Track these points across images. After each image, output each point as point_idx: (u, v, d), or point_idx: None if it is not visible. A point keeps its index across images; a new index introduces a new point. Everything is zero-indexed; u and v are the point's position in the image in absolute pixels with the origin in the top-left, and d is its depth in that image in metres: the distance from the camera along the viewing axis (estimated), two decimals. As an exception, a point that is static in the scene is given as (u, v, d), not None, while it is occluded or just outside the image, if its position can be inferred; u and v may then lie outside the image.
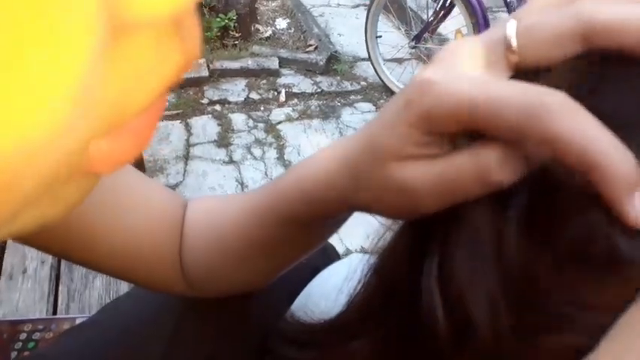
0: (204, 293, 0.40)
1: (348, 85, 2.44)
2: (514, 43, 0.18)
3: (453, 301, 0.18)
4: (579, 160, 0.16)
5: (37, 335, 0.62)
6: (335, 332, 0.28)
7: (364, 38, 2.36)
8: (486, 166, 0.18)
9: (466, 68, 0.19)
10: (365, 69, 2.51)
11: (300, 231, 0.31)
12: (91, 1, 0.08)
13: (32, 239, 0.34)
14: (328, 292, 0.36)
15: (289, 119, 2.19)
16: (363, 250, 0.30)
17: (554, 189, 0.17)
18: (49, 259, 0.74)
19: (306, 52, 2.60)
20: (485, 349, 0.17)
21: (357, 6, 3.13)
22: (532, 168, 0.18)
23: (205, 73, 2.30)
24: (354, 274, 0.28)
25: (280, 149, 2.01)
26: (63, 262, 0.74)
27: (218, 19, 2.48)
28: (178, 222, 0.38)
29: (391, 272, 0.24)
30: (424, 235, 0.21)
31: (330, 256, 0.45)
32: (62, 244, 0.35)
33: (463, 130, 0.19)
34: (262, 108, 2.24)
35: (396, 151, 0.21)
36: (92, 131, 0.10)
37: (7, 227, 0.11)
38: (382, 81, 2.37)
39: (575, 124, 0.16)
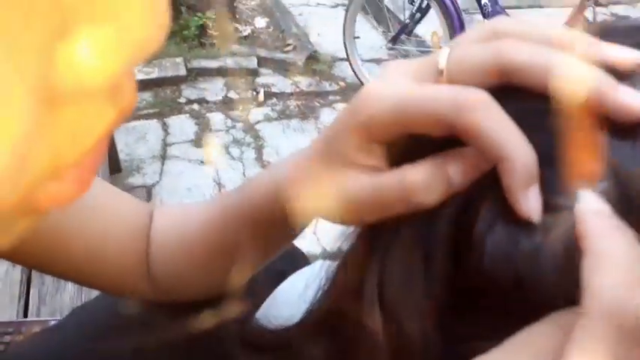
0: (171, 298, 0.41)
1: (326, 86, 2.46)
2: (444, 68, 0.20)
3: (388, 312, 0.19)
4: (494, 151, 0.18)
5: (6, 338, 0.62)
6: (293, 338, 0.29)
7: (342, 39, 2.37)
8: (410, 187, 0.20)
9: (401, 81, 0.21)
10: (344, 69, 2.52)
11: (261, 235, 0.32)
12: (27, 77, 0.10)
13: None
14: (292, 299, 0.38)
15: (268, 119, 2.19)
16: (331, 255, 0.32)
17: (474, 210, 0.19)
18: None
19: (285, 51, 2.61)
20: (418, 356, 0.18)
21: (337, 6, 3.14)
22: (455, 190, 0.19)
23: (183, 72, 2.29)
24: (314, 281, 0.29)
25: (259, 149, 2.02)
26: (34, 266, 0.74)
27: (196, 18, 2.47)
28: (144, 230, 0.39)
29: (343, 280, 0.25)
30: (370, 245, 0.22)
31: (298, 262, 0.46)
32: (25, 255, 0.35)
33: (401, 136, 0.21)
34: (241, 108, 2.24)
35: (343, 157, 0.23)
36: (34, 179, 0.11)
37: None
38: (361, 82, 2.38)
39: (494, 118, 0.18)
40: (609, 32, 0.21)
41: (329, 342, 0.25)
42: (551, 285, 0.17)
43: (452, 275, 0.19)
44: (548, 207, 0.18)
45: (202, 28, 2.50)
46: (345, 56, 2.43)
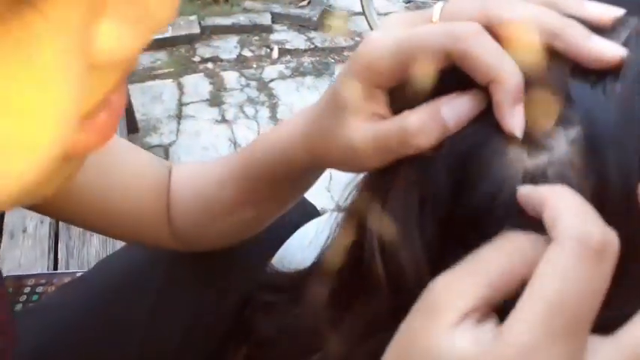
0: (192, 247, 0.43)
1: (342, 41, 2.42)
2: (436, 17, 0.23)
3: (387, 247, 0.21)
4: (486, 72, 0.20)
5: (39, 289, 0.66)
6: (305, 278, 0.31)
7: (357, -8, 2.32)
8: (409, 131, 0.21)
9: (399, 27, 0.23)
10: (359, 24, 2.48)
11: (275, 188, 0.34)
12: (77, 49, 0.12)
13: (33, 206, 0.37)
14: (304, 246, 0.40)
15: (282, 77, 2.18)
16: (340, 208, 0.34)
17: (468, 156, 0.20)
18: (48, 218, 0.77)
19: (299, 7, 2.56)
20: (411, 289, 0.20)
21: (351, -42, 3.05)
22: (449, 134, 0.21)
23: (197, 30, 2.28)
24: (324, 229, 0.31)
25: (273, 108, 2.02)
26: (61, 222, 0.77)
27: (208, -26, 2.43)
28: (164, 185, 0.42)
29: (350, 226, 0.27)
30: (373, 189, 0.24)
31: (310, 213, 0.48)
32: (55, 208, 0.38)
33: (401, 81, 0.23)
34: (255, 65, 2.23)
35: (348, 104, 0.24)
36: (72, 132, 0.13)
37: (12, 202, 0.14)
38: (376, 37, 2.35)
39: (485, 45, 0.20)
40: None
41: (337, 281, 0.27)
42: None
43: (447, 212, 0.20)
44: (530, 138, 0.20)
45: (215, -15, 2.46)
46: (361, 10, 2.38)
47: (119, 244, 0.76)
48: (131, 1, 0.13)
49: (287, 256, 0.41)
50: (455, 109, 0.20)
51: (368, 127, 0.23)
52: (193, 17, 2.32)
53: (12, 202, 0.13)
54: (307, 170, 0.31)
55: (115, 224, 0.40)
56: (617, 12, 0.20)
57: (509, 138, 0.19)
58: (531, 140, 0.19)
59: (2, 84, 0.11)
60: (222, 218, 0.39)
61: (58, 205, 0.37)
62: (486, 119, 0.20)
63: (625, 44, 0.20)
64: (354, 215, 0.27)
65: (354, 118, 0.24)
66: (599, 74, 0.19)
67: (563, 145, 0.19)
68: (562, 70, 0.20)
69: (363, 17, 2.39)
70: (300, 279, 0.33)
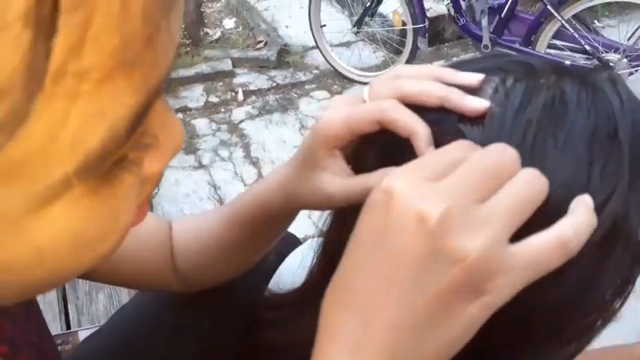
0: (196, 287, 0.51)
1: (301, 76, 2.54)
2: (366, 97, 0.33)
3: None
4: (406, 130, 0.30)
5: (59, 348, 0.71)
6: (299, 295, 0.40)
7: (309, 28, 2.45)
8: (369, 188, 0.30)
9: (342, 106, 0.34)
10: (315, 57, 2.60)
11: (261, 229, 0.43)
12: None
13: None
14: (294, 270, 0.48)
15: (250, 117, 2.28)
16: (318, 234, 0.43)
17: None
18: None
19: (257, 49, 2.68)
20: None
21: (300, -4, 3.20)
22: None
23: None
24: (309, 253, 0.40)
25: (246, 147, 2.11)
26: (67, 285, 0.83)
27: (166, 29, 2.53)
28: (167, 238, 0.50)
29: (329, 248, 0.36)
30: (341, 220, 0.33)
31: (293, 243, 0.56)
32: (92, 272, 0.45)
33: (349, 142, 0.33)
34: (223, 110, 2.32)
35: (316, 164, 0.34)
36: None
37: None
38: (333, 67, 2.47)
39: (402, 112, 0.30)
40: (463, 65, 0.33)
41: (320, 287, 0.36)
42: None
43: None
44: None
45: (173, 39, 2.56)
46: (315, 45, 2.51)
47: (124, 298, 0.82)
48: (161, 141, 0.22)
49: (280, 282, 0.49)
50: None
51: (338, 182, 0.33)
52: (157, 72, 2.40)
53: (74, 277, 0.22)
54: (284, 215, 0.41)
55: (130, 275, 0.48)
56: (480, 76, 0.31)
57: None
58: None
59: (93, 221, 0.19)
60: (219, 260, 0.47)
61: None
62: None
63: (490, 97, 0.30)
64: (330, 237, 0.36)
65: (326, 174, 0.34)
66: (476, 118, 0.29)
67: None
68: (453, 119, 0.30)
69: (317, 50, 2.53)
70: (295, 296, 0.41)
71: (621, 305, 0.32)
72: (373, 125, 0.31)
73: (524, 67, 0.31)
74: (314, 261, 0.40)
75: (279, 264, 0.54)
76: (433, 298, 0.23)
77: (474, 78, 0.31)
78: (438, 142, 0.29)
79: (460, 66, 0.32)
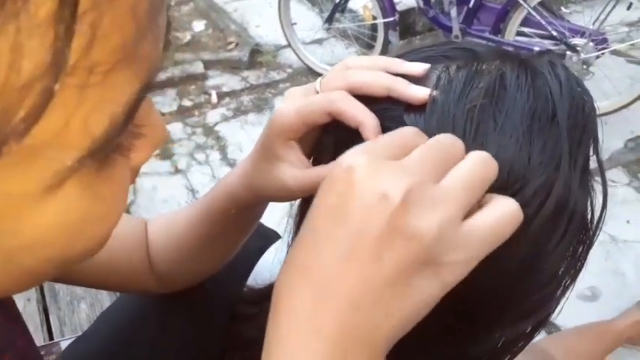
0: (175, 287, 0.51)
1: (275, 75, 2.54)
2: (318, 88, 0.34)
3: None
4: (354, 121, 0.31)
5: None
6: (270, 294, 0.40)
7: (280, 27, 2.45)
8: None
9: (297, 98, 0.35)
10: (288, 56, 2.60)
11: (231, 220, 0.44)
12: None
13: None
14: (268, 267, 0.48)
15: (225, 119, 2.27)
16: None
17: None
18: (34, 296, 0.82)
19: (228, 50, 2.67)
20: None
21: (269, -5, 3.20)
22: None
23: (134, 90, 2.34)
24: (284, 248, 0.40)
25: (222, 150, 2.10)
26: (47, 295, 0.82)
27: (135, 35, 2.50)
28: (143, 239, 0.50)
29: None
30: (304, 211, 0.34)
31: (272, 238, 0.57)
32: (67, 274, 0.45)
33: (305, 132, 0.34)
34: (197, 113, 2.30)
35: (274, 155, 0.35)
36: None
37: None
38: (306, 65, 2.47)
39: (350, 103, 0.32)
40: (410, 54, 0.34)
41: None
42: None
43: None
44: None
45: (143, 44, 2.53)
46: (287, 43, 2.51)
47: (105, 305, 0.82)
48: (147, 132, 0.23)
49: (258, 278, 0.49)
50: None
51: (296, 172, 0.34)
52: (128, 78, 2.38)
53: (77, 263, 0.23)
54: (249, 205, 0.41)
55: (106, 277, 0.48)
56: (425, 66, 0.32)
57: None
58: None
59: (97, 201, 0.21)
60: (195, 256, 0.47)
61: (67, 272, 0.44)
62: None
63: (433, 85, 0.31)
64: (300, 219, 0.37)
65: (283, 164, 0.34)
66: (419, 107, 0.31)
67: None
68: (399, 108, 0.31)
69: (289, 49, 2.53)
70: (269, 291, 0.42)
71: (574, 278, 0.33)
72: (324, 116, 0.32)
73: (467, 54, 0.32)
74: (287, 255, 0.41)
75: (259, 259, 0.54)
76: (392, 274, 0.24)
77: (418, 67, 0.32)
78: (386, 131, 0.30)
79: (408, 55, 0.34)
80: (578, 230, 0.32)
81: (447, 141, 0.27)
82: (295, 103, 0.34)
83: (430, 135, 0.29)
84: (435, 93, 0.30)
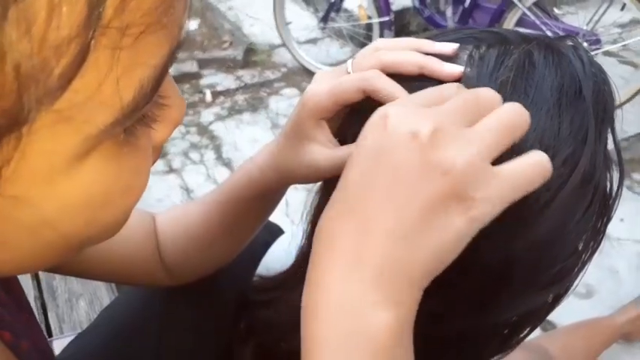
0: (184, 279, 0.51)
1: (269, 74, 2.53)
2: (350, 69, 0.35)
3: None
4: (389, 98, 0.31)
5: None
6: (286, 279, 0.40)
7: (275, 26, 2.44)
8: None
9: (327, 79, 0.35)
10: (283, 55, 2.60)
11: (251, 207, 0.43)
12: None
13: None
14: (280, 257, 0.48)
15: (220, 118, 2.26)
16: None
17: None
18: (31, 293, 0.81)
19: (223, 49, 2.66)
20: None
21: (263, -5, 3.19)
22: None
23: (128, 88, 2.33)
24: (293, 241, 0.41)
25: (217, 149, 2.09)
26: (45, 292, 0.81)
27: (129, 33, 2.48)
28: (152, 231, 0.49)
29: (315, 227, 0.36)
30: (326, 195, 0.34)
31: (276, 233, 0.57)
32: (66, 266, 0.44)
33: (337, 113, 0.34)
34: (191, 112, 2.29)
35: (305, 135, 0.35)
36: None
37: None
38: (301, 64, 2.47)
39: (384, 81, 0.32)
40: (438, 36, 0.35)
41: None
42: None
43: None
44: None
45: (137, 42, 2.52)
46: (281, 42, 2.51)
47: (105, 303, 0.81)
48: (168, 107, 0.22)
49: (268, 268, 0.49)
50: None
51: (327, 152, 0.35)
52: (122, 77, 2.36)
53: (102, 238, 0.23)
54: (273, 189, 0.42)
55: (118, 269, 0.48)
56: (455, 45, 0.33)
57: None
58: None
59: (122, 174, 0.20)
60: (208, 246, 0.47)
61: (72, 265, 0.44)
62: None
63: (465, 63, 0.32)
64: (315, 214, 0.37)
65: (314, 144, 0.35)
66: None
67: None
68: (430, 86, 0.31)
69: (285, 48, 2.52)
70: (286, 276, 0.42)
71: (593, 252, 0.34)
72: (358, 94, 0.33)
73: (495, 36, 0.34)
74: (303, 241, 0.41)
75: (265, 253, 0.54)
76: (424, 206, 0.25)
77: (449, 47, 0.33)
78: None
79: (436, 37, 0.35)
80: (601, 203, 0.33)
81: (485, 93, 0.28)
82: (327, 83, 0.34)
83: None
84: (468, 70, 0.31)
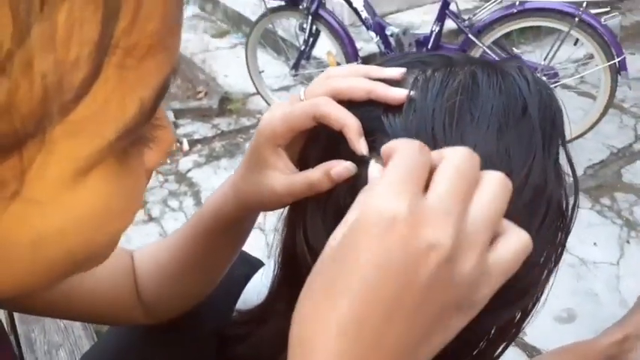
0: (161, 316, 0.51)
1: (245, 121, 2.58)
2: (302, 97, 0.36)
3: (312, 250, 0.33)
4: (337, 123, 0.33)
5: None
6: (259, 312, 0.41)
7: (248, 76, 2.51)
8: (312, 182, 0.33)
9: (282, 107, 0.37)
10: (257, 102, 2.65)
11: (218, 240, 0.44)
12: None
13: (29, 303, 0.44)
14: (257, 290, 0.49)
15: (197, 165, 2.28)
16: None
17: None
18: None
19: (198, 99, 2.71)
20: None
21: (235, 46, 3.28)
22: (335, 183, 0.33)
23: (104, 141, 2.33)
24: (269, 271, 0.42)
25: (196, 195, 2.10)
26: (24, 345, 0.80)
27: (104, 88, 2.51)
28: (130, 269, 0.50)
29: (286, 254, 0.38)
30: (293, 219, 0.35)
31: (256, 266, 0.58)
32: (41, 302, 0.45)
33: (292, 139, 0.36)
34: (169, 161, 2.31)
35: (263, 163, 0.37)
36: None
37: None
38: (275, 110, 2.52)
39: (333, 107, 0.34)
40: (388, 61, 0.37)
41: (287, 292, 0.37)
42: None
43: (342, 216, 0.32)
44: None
45: (112, 96, 2.54)
46: (255, 90, 2.57)
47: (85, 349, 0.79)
48: (157, 142, 0.24)
49: (247, 301, 0.50)
50: (338, 170, 0.33)
51: (283, 178, 0.36)
52: (98, 130, 2.37)
53: (109, 251, 0.24)
54: (238, 219, 0.42)
55: (94, 309, 0.48)
56: (402, 70, 0.34)
57: (361, 158, 0.32)
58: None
59: (121, 193, 0.22)
60: (181, 281, 0.48)
61: (42, 304, 0.44)
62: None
63: (412, 87, 0.33)
64: (286, 236, 0.38)
65: (272, 171, 0.36)
66: (398, 108, 0.33)
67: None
68: (380, 109, 0.33)
69: (258, 96, 2.58)
70: (258, 310, 0.43)
71: (556, 263, 0.35)
72: (309, 120, 0.34)
73: (441, 59, 0.35)
74: (275, 272, 0.42)
75: (245, 286, 0.55)
76: (433, 317, 0.25)
77: (396, 72, 0.35)
78: (368, 132, 0.33)
79: (385, 63, 0.36)
80: (556, 217, 0.34)
81: (465, 161, 0.26)
82: (280, 111, 0.36)
83: (409, 134, 0.31)
84: (412, 93, 0.33)
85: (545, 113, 0.33)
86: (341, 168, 0.33)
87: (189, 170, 2.24)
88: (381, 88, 0.33)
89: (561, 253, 0.35)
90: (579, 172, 2.18)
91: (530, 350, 1.41)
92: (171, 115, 2.53)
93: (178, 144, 2.40)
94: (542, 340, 1.41)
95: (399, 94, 0.33)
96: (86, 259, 0.23)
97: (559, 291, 1.53)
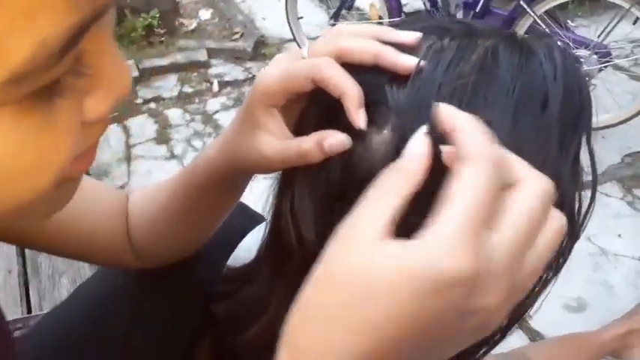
0: (153, 262, 0.50)
1: (277, 68, 2.53)
2: (305, 55, 0.32)
3: (294, 214, 0.30)
4: (336, 89, 0.30)
5: (16, 333, 0.70)
6: (247, 272, 0.40)
7: (286, 21, 2.44)
8: (303, 151, 0.30)
9: (282, 63, 0.33)
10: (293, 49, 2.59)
11: (208, 195, 0.42)
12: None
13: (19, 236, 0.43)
14: (249, 247, 0.48)
15: (225, 108, 2.26)
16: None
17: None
18: (15, 268, 0.81)
19: (233, 40, 2.66)
20: (307, 254, 0.28)
21: (277, -12, 3.19)
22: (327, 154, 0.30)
23: (136, 73, 2.33)
24: (260, 231, 0.40)
25: (220, 138, 2.09)
26: (29, 269, 0.82)
27: (141, 19, 2.49)
28: (123, 210, 0.49)
29: (276, 219, 0.36)
30: (282, 187, 0.33)
31: (257, 219, 0.56)
32: (34, 238, 0.44)
33: (288, 99, 0.32)
34: (197, 100, 2.30)
35: (255, 122, 0.33)
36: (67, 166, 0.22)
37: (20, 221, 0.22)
38: (309, 60, 2.46)
39: (335, 71, 0.30)
40: (405, 24, 0.33)
41: (272, 258, 0.36)
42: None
43: (331, 192, 0.30)
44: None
45: (149, 28, 2.53)
46: (292, 37, 2.50)
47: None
48: (104, 80, 0.21)
49: (239, 257, 0.49)
50: (332, 142, 0.30)
51: (275, 143, 0.32)
52: (131, 61, 2.37)
53: (15, 216, 0.22)
54: (228, 178, 0.40)
55: (83, 246, 0.47)
56: (417, 35, 0.30)
57: (359, 132, 0.29)
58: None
59: (34, 140, 0.19)
60: (170, 230, 0.46)
61: (33, 238, 0.43)
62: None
63: (423, 56, 0.29)
64: (275, 202, 0.36)
65: (263, 133, 0.33)
66: (405, 78, 0.29)
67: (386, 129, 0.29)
68: (383, 78, 0.30)
69: (294, 43, 2.52)
70: (246, 269, 0.41)
71: (555, 273, 0.32)
72: (307, 83, 0.31)
73: (462, 27, 0.31)
74: (265, 234, 0.40)
75: (240, 240, 0.53)
76: (456, 346, 0.26)
77: (411, 36, 0.31)
78: (370, 104, 0.29)
79: (403, 25, 0.32)
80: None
81: (545, 202, 0.24)
82: (279, 69, 0.32)
83: (411, 109, 0.28)
84: (422, 62, 0.29)
85: (568, 105, 0.29)
86: (335, 140, 0.30)
87: (216, 112, 2.23)
88: (390, 53, 0.30)
89: (563, 263, 0.32)
90: (616, 159, 2.09)
91: (533, 335, 1.39)
92: (204, 54, 2.49)
93: (209, 84, 2.38)
94: (547, 327, 1.39)
95: (408, 62, 0.29)
96: (23, 209, 0.21)
97: (572, 279, 1.50)
